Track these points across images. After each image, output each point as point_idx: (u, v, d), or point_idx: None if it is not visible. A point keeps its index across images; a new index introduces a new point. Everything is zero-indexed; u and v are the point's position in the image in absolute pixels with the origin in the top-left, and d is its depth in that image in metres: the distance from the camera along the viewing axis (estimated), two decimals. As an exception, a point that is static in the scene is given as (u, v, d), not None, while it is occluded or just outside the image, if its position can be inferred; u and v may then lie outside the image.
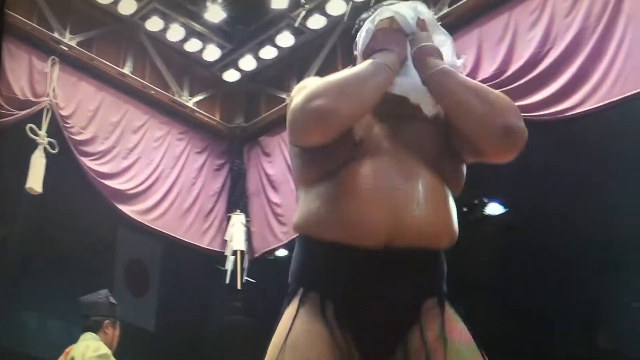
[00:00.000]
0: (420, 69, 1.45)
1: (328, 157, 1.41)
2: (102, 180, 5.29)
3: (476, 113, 1.38)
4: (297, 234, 1.49)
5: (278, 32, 5.56)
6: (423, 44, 1.47)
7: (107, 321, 3.48)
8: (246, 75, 5.98)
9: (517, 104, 4.72)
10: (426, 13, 1.56)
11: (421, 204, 1.37)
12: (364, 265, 1.36)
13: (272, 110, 5.91)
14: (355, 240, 1.35)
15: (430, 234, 1.39)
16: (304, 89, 1.42)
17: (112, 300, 3.52)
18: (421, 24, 1.51)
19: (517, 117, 1.41)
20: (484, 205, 5.02)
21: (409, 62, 1.48)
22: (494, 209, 5.05)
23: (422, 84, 1.45)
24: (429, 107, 1.47)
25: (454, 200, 1.48)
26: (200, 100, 6.08)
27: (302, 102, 1.36)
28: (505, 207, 4.99)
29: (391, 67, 1.42)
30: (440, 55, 1.47)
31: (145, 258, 5.86)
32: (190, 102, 6.00)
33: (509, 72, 4.58)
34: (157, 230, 5.49)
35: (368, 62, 1.43)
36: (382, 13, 1.52)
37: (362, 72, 1.41)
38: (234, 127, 6.21)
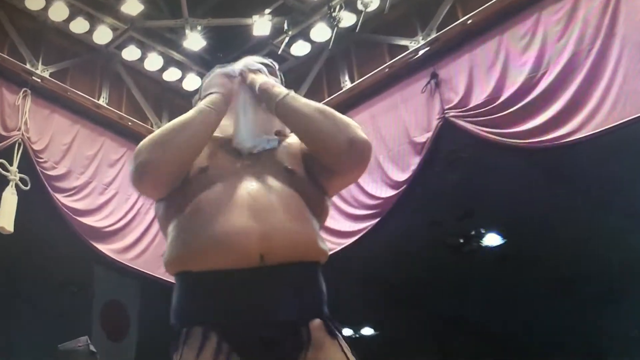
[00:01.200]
0: (268, 99, 1.57)
1: (182, 190, 1.49)
2: (78, 218, 5.22)
3: (323, 130, 1.49)
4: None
5: None
6: (265, 79, 1.61)
7: (87, 370, 3.35)
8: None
9: (511, 131, 4.65)
10: (262, 67, 1.71)
11: (285, 215, 1.44)
12: (241, 285, 1.39)
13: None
14: (228, 261, 1.39)
15: (299, 243, 1.44)
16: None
17: (92, 348, 3.44)
18: (253, 71, 1.67)
19: (360, 130, 1.52)
20: (482, 236, 4.98)
21: (246, 105, 1.61)
22: (492, 240, 5.00)
23: (269, 113, 1.58)
24: (272, 142, 1.59)
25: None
26: None
27: (131, 160, 1.52)
28: (503, 237, 4.96)
29: (213, 106, 1.55)
30: (282, 85, 1.62)
31: (124, 299, 5.78)
32: None
33: (502, 98, 4.59)
34: (135, 269, 5.40)
35: (192, 109, 1.57)
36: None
37: (182, 119, 1.54)
38: None
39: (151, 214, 5.53)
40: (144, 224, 5.60)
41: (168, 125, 1.55)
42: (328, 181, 1.56)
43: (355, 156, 1.50)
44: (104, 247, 5.33)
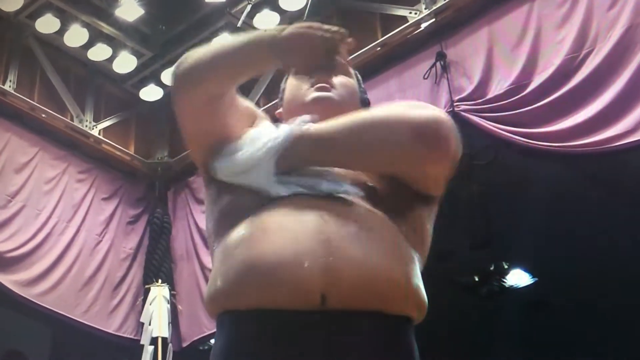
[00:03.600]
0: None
1: (236, 203, 1.46)
2: None
3: (378, 148, 1.43)
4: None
5: (214, 33, 5.23)
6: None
7: None
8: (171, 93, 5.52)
9: (542, 130, 4.21)
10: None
11: (365, 245, 1.33)
12: (294, 333, 1.29)
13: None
14: (278, 299, 1.30)
15: (379, 283, 1.31)
16: None
17: None
18: None
19: (413, 109, 1.43)
20: (504, 272, 4.40)
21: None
22: (518, 278, 4.41)
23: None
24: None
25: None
26: (109, 127, 5.75)
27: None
28: (533, 275, 4.40)
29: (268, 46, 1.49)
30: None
31: (28, 349, 5.30)
32: (95, 130, 5.63)
33: (531, 87, 4.17)
34: (45, 308, 4.93)
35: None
36: None
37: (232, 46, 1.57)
38: (154, 164, 5.86)
39: (68, 234, 5.21)
40: (58, 248, 5.15)
41: (220, 46, 1.65)
42: (422, 179, 1.46)
43: (433, 143, 1.39)
44: (4, 279, 4.86)
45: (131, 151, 5.80)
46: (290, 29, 1.47)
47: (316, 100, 1.54)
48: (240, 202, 1.45)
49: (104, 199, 5.48)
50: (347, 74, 1.61)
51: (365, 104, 1.63)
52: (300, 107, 1.55)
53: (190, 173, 5.65)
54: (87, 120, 5.55)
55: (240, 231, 1.40)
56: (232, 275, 1.36)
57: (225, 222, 1.46)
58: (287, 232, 1.34)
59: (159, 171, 5.81)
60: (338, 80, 1.57)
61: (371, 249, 1.33)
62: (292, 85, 1.61)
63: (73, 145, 5.43)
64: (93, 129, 5.57)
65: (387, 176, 1.47)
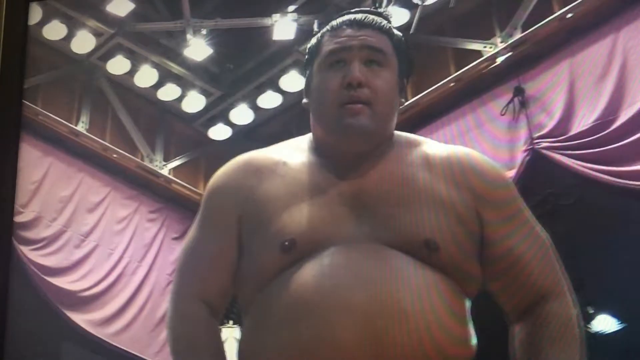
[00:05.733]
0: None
1: (257, 269, 1.30)
2: (46, 277, 4.75)
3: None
4: None
5: (283, 70, 5.15)
6: None
7: None
8: (240, 131, 5.57)
9: (631, 169, 3.89)
10: None
11: (412, 315, 1.18)
12: None
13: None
14: None
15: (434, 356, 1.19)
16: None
17: None
18: None
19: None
20: (590, 318, 4.07)
21: None
22: (605, 324, 4.09)
23: None
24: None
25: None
26: (179, 166, 5.66)
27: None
28: (622, 321, 4.07)
29: None
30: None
31: None
32: (165, 170, 5.55)
33: (618, 123, 3.93)
34: (118, 348, 4.86)
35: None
36: None
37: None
38: None
39: (140, 274, 5.15)
40: (131, 287, 5.06)
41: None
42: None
43: None
44: (78, 318, 4.80)
45: (201, 190, 5.60)
46: None
47: (346, 128, 1.31)
48: (256, 265, 1.32)
49: (175, 239, 5.39)
50: (384, 62, 1.34)
51: (402, 88, 1.40)
52: (330, 126, 1.34)
53: (258, 211, 5.56)
54: (157, 160, 5.50)
55: (273, 300, 1.26)
56: (261, 346, 1.26)
57: (246, 286, 1.34)
58: (327, 310, 1.19)
59: None
60: (373, 80, 1.32)
61: (422, 317, 1.20)
62: (319, 81, 1.37)
63: (144, 185, 5.37)
64: (163, 168, 5.52)
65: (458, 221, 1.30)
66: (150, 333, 4.96)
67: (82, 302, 4.81)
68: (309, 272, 1.24)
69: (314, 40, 1.40)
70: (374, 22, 1.36)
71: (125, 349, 4.86)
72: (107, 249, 5.00)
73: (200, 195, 5.56)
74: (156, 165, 5.44)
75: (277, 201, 1.31)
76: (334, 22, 1.39)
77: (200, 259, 1.40)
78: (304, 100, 1.42)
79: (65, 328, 4.76)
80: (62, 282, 4.76)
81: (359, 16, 1.37)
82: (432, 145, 1.38)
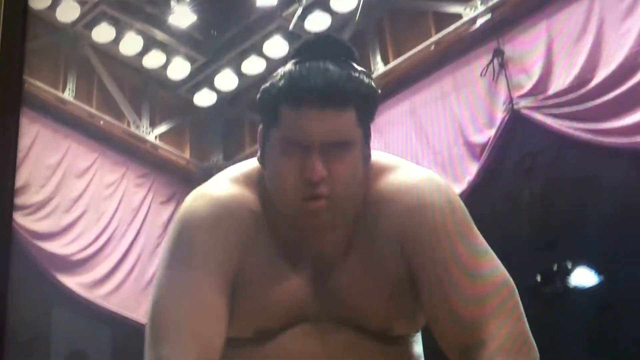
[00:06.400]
0: None
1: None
2: (37, 242, 4.74)
3: None
4: None
5: (266, 37, 5.13)
6: None
7: None
8: (225, 97, 5.58)
9: (608, 126, 3.88)
10: None
11: None
12: None
13: (260, 143, 5.29)
14: None
15: None
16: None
17: None
18: None
19: None
20: (569, 272, 4.07)
21: None
22: (582, 277, 4.07)
23: None
24: None
25: None
26: (165, 132, 5.65)
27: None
28: (599, 273, 4.04)
29: None
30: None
31: (91, 350, 5.12)
32: (151, 136, 5.53)
33: (595, 82, 3.93)
34: (108, 310, 4.88)
35: None
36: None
37: None
38: (209, 167, 5.66)
39: (128, 237, 5.16)
40: (120, 251, 5.06)
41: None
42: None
43: None
44: (69, 281, 4.81)
45: (187, 155, 5.70)
46: None
47: (307, 224, 1.20)
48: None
49: (162, 203, 5.38)
50: (348, 145, 1.17)
51: (368, 138, 1.23)
52: (289, 214, 1.20)
53: (245, 175, 5.55)
54: (143, 127, 5.47)
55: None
56: None
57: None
58: None
59: (214, 173, 5.60)
60: (335, 169, 1.16)
61: None
62: (276, 163, 1.20)
63: (131, 151, 5.34)
64: (149, 134, 5.47)
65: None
66: (139, 294, 4.95)
67: (73, 265, 4.80)
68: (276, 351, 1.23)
69: (272, 92, 1.19)
70: (340, 95, 1.15)
71: (115, 310, 4.86)
72: (96, 214, 4.98)
73: (186, 160, 5.57)
74: (142, 132, 5.41)
75: (259, 277, 1.23)
76: (294, 88, 1.16)
77: (192, 307, 1.17)
78: (259, 162, 1.26)
79: (55, 293, 4.74)
80: (53, 246, 4.74)
81: (322, 86, 1.14)
82: (396, 198, 1.23)
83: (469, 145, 4.31)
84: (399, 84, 4.68)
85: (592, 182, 4.11)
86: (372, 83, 1.18)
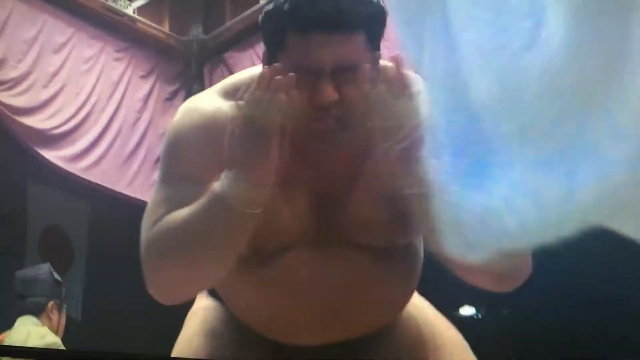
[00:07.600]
0: None
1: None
2: (16, 117, 4.65)
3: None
4: None
5: None
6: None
7: (51, 303, 3.18)
8: None
9: None
10: None
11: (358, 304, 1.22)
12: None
13: (242, 16, 5.22)
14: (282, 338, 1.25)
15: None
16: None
17: (57, 276, 3.26)
18: None
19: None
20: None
21: None
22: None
23: None
24: None
25: None
26: (143, 5, 5.48)
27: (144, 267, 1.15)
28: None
29: (254, 208, 1.09)
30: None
31: (67, 224, 5.16)
32: (130, 9, 5.39)
33: None
34: (89, 182, 4.86)
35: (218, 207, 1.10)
36: None
37: (200, 230, 1.11)
38: (189, 41, 5.58)
39: (109, 111, 5.09)
40: (100, 125, 5.02)
41: (180, 239, 1.12)
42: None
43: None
44: (51, 154, 4.78)
45: (166, 29, 5.56)
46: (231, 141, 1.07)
47: (314, 140, 1.15)
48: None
49: (142, 77, 5.30)
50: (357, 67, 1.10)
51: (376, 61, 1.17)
52: (296, 132, 1.13)
53: (225, 49, 5.40)
54: (121, 0, 5.30)
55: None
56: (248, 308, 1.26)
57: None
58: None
59: (194, 48, 5.56)
60: (347, 92, 1.10)
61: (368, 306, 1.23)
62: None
63: (108, 25, 5.20)
64: (128, 7, 5.32)
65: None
66: (120, 167, 4.97)
67: (53, 139, 4.77)
68: (272, 276, 1.19)
69: (276, 17, 1.12)
70: (349, 19, 1.08)
71: (96, 181, 4.86)
72: (75, 88, 4.91)
73: (165, 34, 5.43)
74: (120, 5, 5.26)
75: None
76: (300, 13, 1.09)
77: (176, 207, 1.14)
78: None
79: (34, 169, 4.74)
80: (32, 121, 4.68)
81: (330, 11, 1.07)
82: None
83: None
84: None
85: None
86: (381, 2, 1.10)
